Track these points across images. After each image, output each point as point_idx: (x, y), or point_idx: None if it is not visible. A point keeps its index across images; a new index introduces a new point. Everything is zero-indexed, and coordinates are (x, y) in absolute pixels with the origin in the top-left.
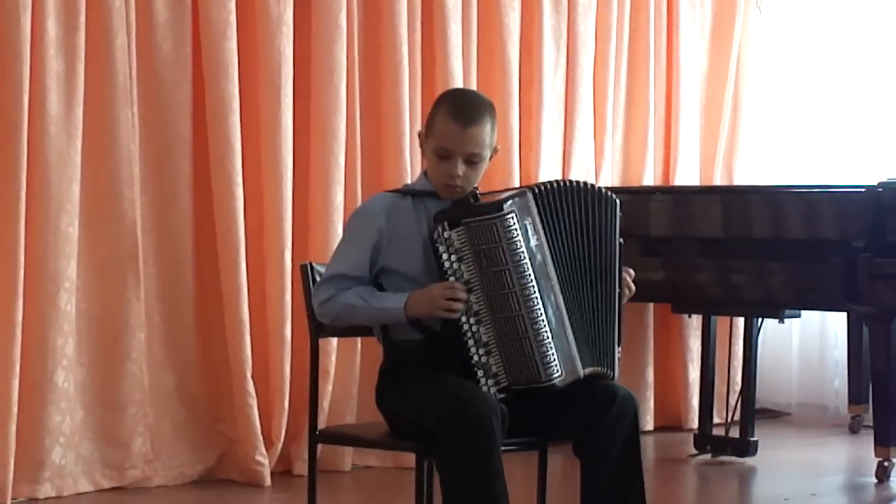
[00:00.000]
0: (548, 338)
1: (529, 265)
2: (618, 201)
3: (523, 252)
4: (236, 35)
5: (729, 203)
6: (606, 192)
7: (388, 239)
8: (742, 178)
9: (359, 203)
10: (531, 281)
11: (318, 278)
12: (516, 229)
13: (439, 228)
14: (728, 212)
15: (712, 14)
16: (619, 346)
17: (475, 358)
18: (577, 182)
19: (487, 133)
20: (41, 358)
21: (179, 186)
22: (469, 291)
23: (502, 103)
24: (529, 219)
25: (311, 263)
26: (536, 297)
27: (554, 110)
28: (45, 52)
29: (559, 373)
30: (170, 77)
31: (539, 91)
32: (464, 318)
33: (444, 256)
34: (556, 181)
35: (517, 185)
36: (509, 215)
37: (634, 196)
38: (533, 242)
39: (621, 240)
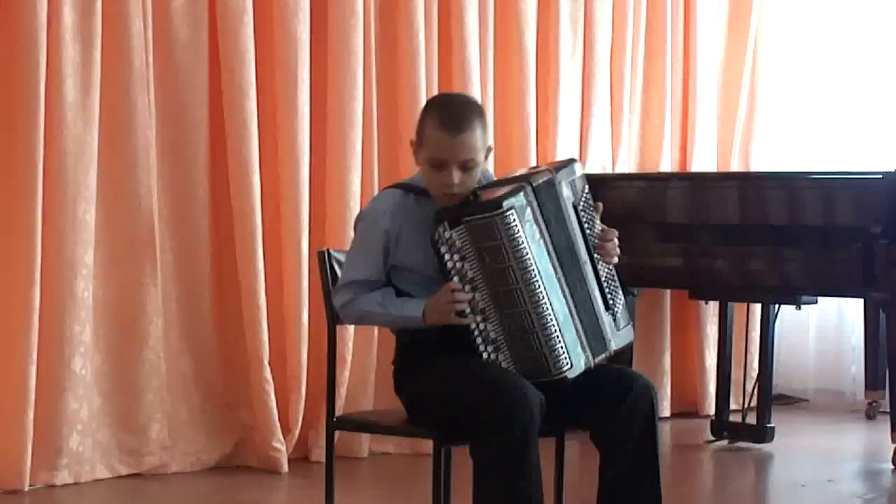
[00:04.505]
0: (555, 332)
1: (533, 260)
2: (551, 174)
3: (525, 248)
4: (253, 21)
5: (746, 189)
6: (546, 172)
7: (395, 239)
8: (759, 164)
9: (375, 190)
10: (535, 276)
11: (335, 265)
12: (517, 225)
13: (440, 229)
14: (745, 198)
15: (729, 0)
16: (614, 308)
17: (484, 355)
18: (543, 169)
19: (478, 137)
20: (58, 345)
21: (196, 173)
22: (474, 290)
23: (519, 90)
24: (530, 212)
25: (328, 250)
26: (542, 292)
27: (571, 97)
28: (62, 38)
29: (568, 365)
30: (186, 63)
31: (556, 78)
32: (470, 317)
33: (447, 257)
34: (544, 171)
35: None
36: (509, 212)
37: (651, 182)
38: (535, 236)
39: (588, 204)
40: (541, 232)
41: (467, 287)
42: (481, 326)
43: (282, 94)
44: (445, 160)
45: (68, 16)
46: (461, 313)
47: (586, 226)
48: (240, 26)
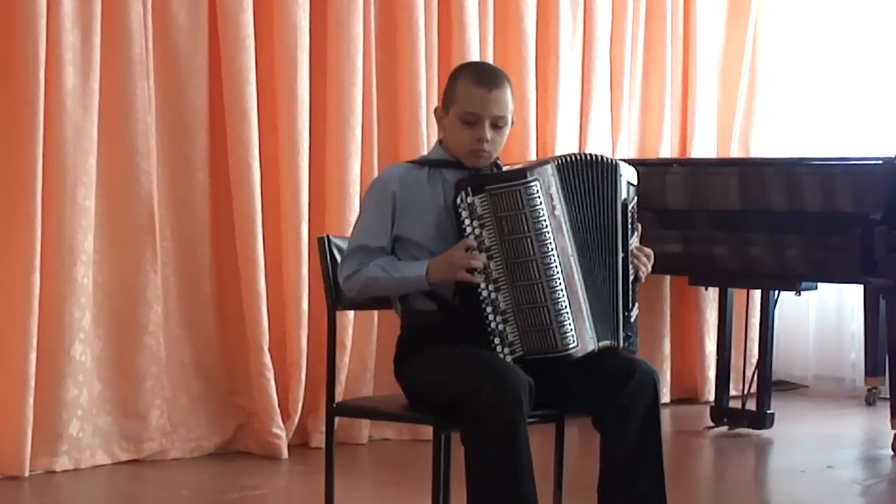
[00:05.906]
0: (565, 307)
1: (551, 233)
2: (618, 165)
3: (545, 220)
4: (252, 7)
5: (746, 175)
6: (608, 160)
7: (402, 207)
8: (759, 150)
9: (375, 175)
10: (552, 249)
11: (334, 251)
12: (539, 197)
13: (462, 194)
14: (745, 184)
15: None
16: (629, 312)
17: (492, 325)
18: (595, 155)
19: (509, 98)
20: (58, 331)
21: (196, 159)
22: (489, 258)
23: (519, 76)
24: (552, 188)
25: (327, 236)
26: (556, 266)
27: (570, 83)
28: (61, 24)
29: (574, 343)
30: (186, 49)
31: (556, 64)
32: (482, 285)
33: (467, 222)
34: (576, 154)
35: (534, 157)
36: (533, 183)
37: (651, 168)
38: (555, 211)
39: (634, 213)
40: (562, 208)
41: (483, 255)
42: (492, 296)
43: (281, 80)
44: (479, 115)
45: (68, 2)
46: (472, 271)
47: (630, 226)
48: (239, 12)
